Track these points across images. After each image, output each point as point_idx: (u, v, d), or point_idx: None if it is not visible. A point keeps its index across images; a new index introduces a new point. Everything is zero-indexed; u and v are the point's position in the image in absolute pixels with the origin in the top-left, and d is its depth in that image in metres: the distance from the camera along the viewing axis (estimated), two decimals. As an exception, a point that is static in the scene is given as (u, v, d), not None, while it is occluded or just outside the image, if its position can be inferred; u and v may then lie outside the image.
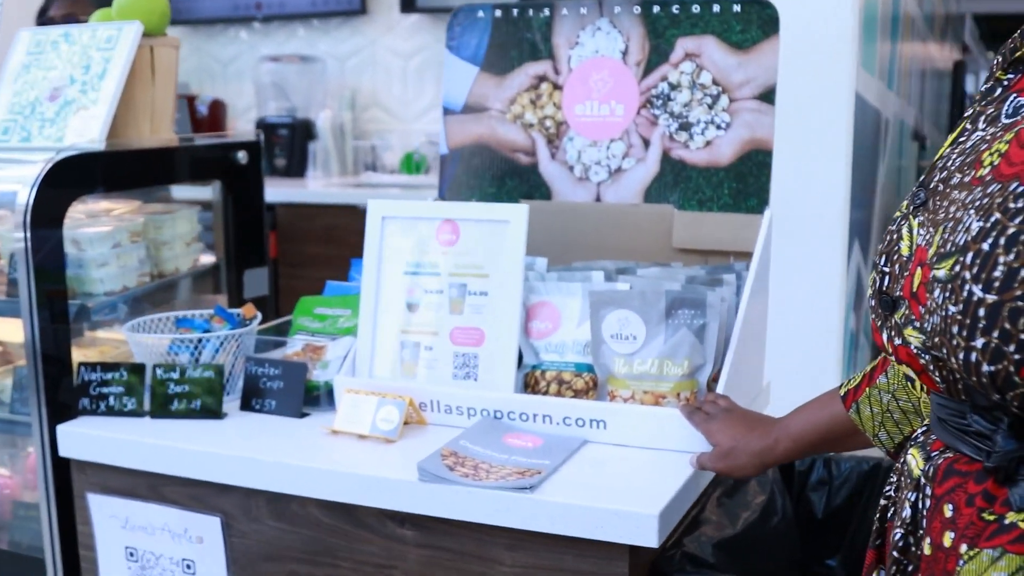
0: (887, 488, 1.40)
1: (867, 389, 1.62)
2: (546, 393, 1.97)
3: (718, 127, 2.16)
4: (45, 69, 2.36)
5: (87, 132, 2.22)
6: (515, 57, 2.31)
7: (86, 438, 2.05)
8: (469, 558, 1.77)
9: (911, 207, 1.24)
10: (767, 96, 2.13)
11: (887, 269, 1.23)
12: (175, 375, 2.08)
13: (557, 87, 2.28)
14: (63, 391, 2.12)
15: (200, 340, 2.13)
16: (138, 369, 2.11)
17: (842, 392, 1.65)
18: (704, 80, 2.17)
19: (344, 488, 1.82)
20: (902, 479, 1.32)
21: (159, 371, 2.08)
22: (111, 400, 2.11)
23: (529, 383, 2.01)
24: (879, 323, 1.24)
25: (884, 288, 1.23)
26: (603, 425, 1.86)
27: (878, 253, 1.26)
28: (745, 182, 2.14)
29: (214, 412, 2.07)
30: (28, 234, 2.04)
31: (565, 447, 1.84)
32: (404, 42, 5.64)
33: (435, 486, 1.73)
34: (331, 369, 2.12)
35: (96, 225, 2.30)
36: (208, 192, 2.57)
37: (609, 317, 1.91)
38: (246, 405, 2.12)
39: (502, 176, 2.33)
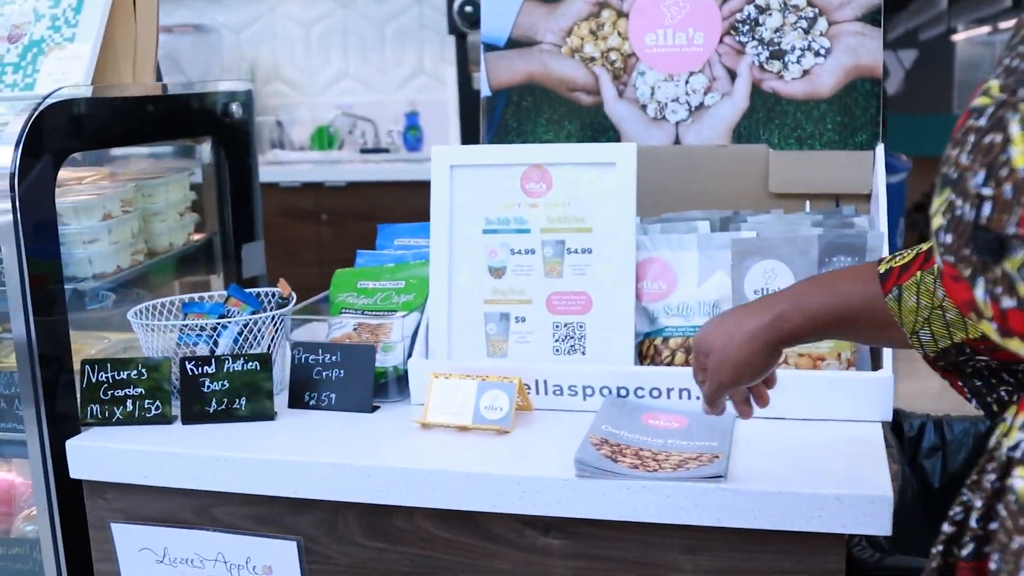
0: (955, 511, 0.99)
1: (918, 273, 1.20)
2: (671, 363, 1.69)
3: (816, 54, 1.91)
4: (-4, 4, 1.91)
5: (68, 76, 1.79)
6: (570, -19, 2.00)
7: (105, 454, 1.65)
8: (634, 568, 1.47)
9: (1015, 86, 0.83)
10: (871, 17, 1.89)
11: (989, 190, 0.82)
12: (210, 369, 1.70)
13: (622, 14, 1.99)
14: (61, 398, 1.70)
15: (221, 327, 1.75)
16: (160, 365, 1.71)
17: (882, 269, 1.23)
18: (797, 1, 1.91)
19: (465, 493, 1.50)
20: (1000, 507, 0.91)
21: (189, 366, 1.69)
22: (128, 405, 1.70)
23: (646, 353, 1.72)
24: (969, 273, 0.84)
25: (984, 221, 0.82)
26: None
27: (958, 164, 0.85)
28: (851, 115, 1.90)
29: (264, 412, 1.70)
30: (16, 205, 1.62)
31: (719, 426, 1.56)
32: (305, 10, 5.15)
33: (592, 482, 1.43)
34: (397, 352, 1.78)
35: (78, 193, 1.87)
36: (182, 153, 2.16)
37: (754, 269, 1.64)
38: (296, 401, 1.75)
39: (560, 119, 2.02)
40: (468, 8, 3.70)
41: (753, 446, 1.53)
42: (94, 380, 1.70)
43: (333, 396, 1.74)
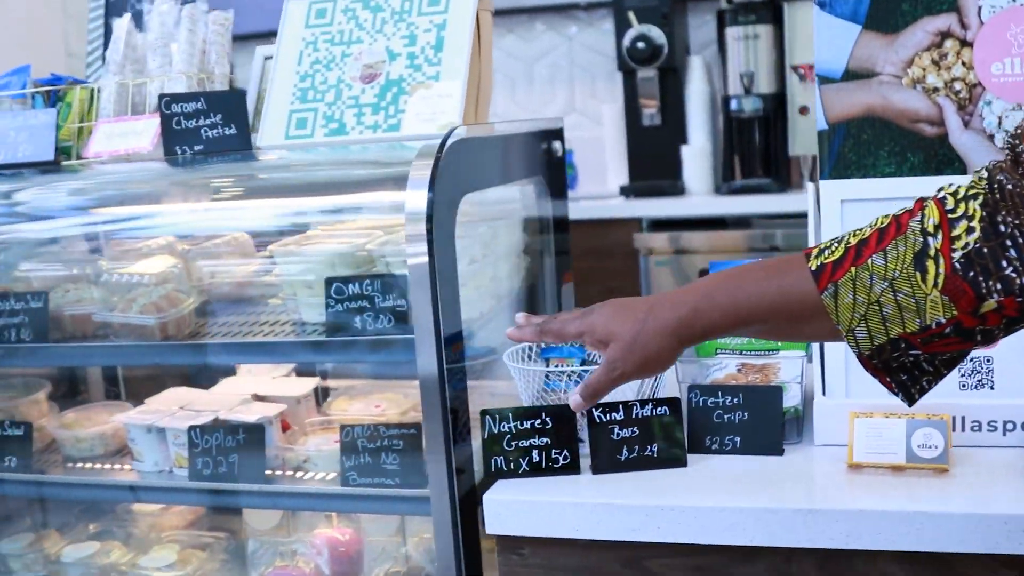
0: None
1: (851, 269, 1.18)
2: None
3: None
4: (341, 44, 1.86)
5: (439, 116, 1.74)
6: (908, 11, 1.97)
7: (526, 508, 1.59)
8: None
9: None
10: None
11: None
12: (619, 416, 1.65)
13: (965, 44, 1.95)
14: (459, 451, 1.64)
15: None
16: (564, 415, 1.65)
17: (813, 265, 1.20)
18: None
19: (937, 534, 1.43)
20: None
21: (596, 413, 1.64)
22: (535, 455, 1.64)
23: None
24: None
25: None
26: None
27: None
28: None
29: (676, 458, 1.65)
30: (432, 248, 1.56)
31: None
32: None
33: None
34: (793, 392, 1.72)
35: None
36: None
37: None
38: (697, 445, 1.69)
39: (902, 151, 1.98)
40: (640, 44, 3.68)
41: None
42: (496, 431, 1.64)
43: (738, 439, 1.68)
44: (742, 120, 3.69)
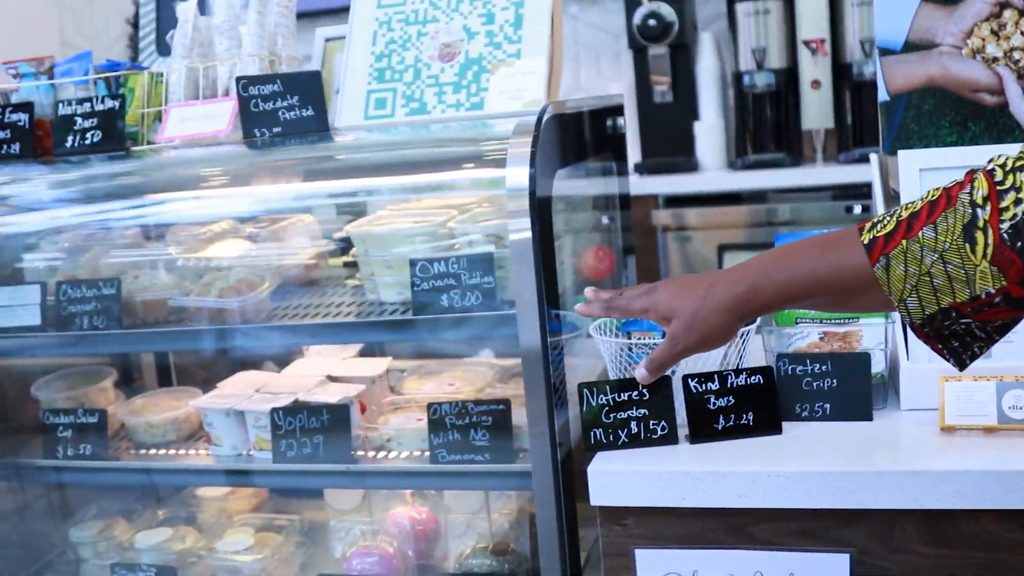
0: None
1: (903, 242, 1.22)
2: None
3: None
4: (416, 23, 1.86)
5: (523, 93, 1.75)
6: (967, -18, 2.00)
7: (628, 478, 1.61)
8: None
9: None
10: None
11: None
12: (714, 386, 1.67)
13: None
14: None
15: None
16: (661, 386, 1.67)
17: (865, 239, 1.24)
18: None
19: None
20: None
21: (692, 383, 1.66)
22: (633, 426, 1.66)
23: None
24: None
25: None
26: None
27: None
28: None
29: (771, 425, 1.67)
30: (535, 223, 1.58)
31: None
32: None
33: None
34: (877, 358, 1.76)
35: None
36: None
37: None
38: (787, 413, 1.72)
39: (963, 120, 2.02)
40: (652, 22, 3.70)
41: None
42: (594, 404, 1.66)
43: (827, 406, 1.71)
44: (755, 95, 3.73)
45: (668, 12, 3.74)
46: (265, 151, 1.82)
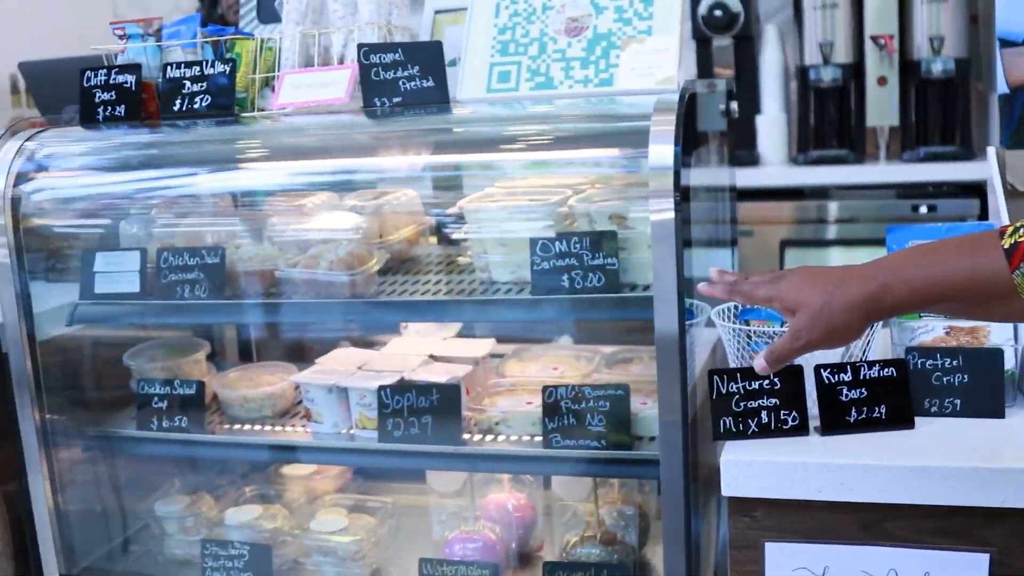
0: None
1: None
2: None
3: None
4: (540, -4, 1.82)
5: (655, 71, 1.71)
6: (1096, -25, 1.96)
7: (762, 468, 1.56)
8: None
9: None
10: None
11: None
12: (847, 377, 1.63)
13: None
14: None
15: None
16: (793, 375, 1.63)
17: (1006, 243, 1.20)
18: None
19: None
20: None
21: (825, 374, 1.62)
22: (763, 416, 1.62)
23: None
24: None
25: None
26: None
27: None
28: None
29: (905, 419, 1.63)
30: (677, 204, 1.54)
31: None
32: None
33: None
34: (1008, 354, 1.71)
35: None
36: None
37: None
38: (917, 408, 1.68)
39: (1088, 116, 1.98)
40: (717, 12, 3.65)
41: None
42: (724, 391, 1.62)
43: (958, 402, 1.67)
44: (820, 90, 3.68)
45: (734, 3, 3.68)
46: (387, 120, 1.77)
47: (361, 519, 2.01)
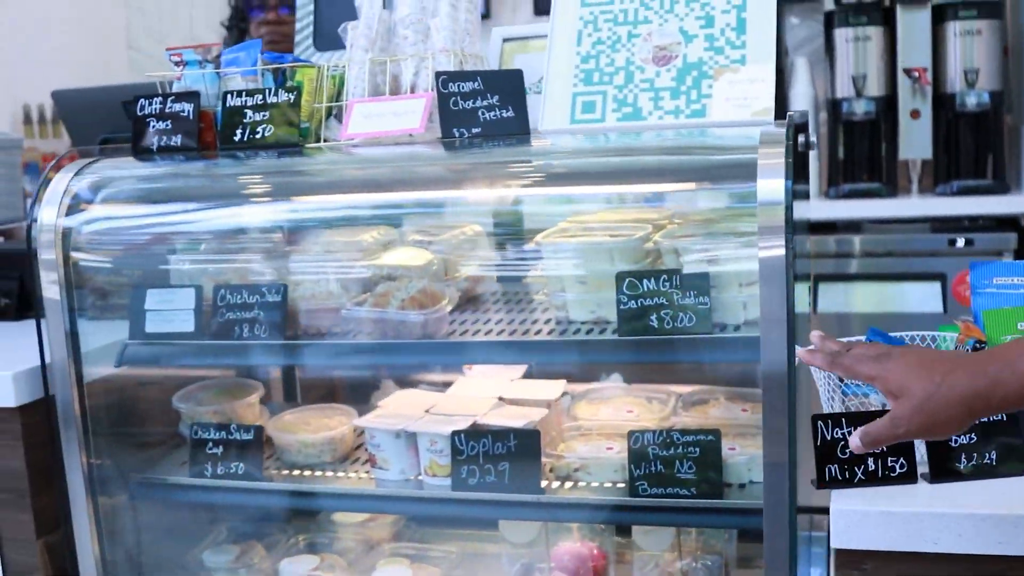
0: None
1: None
2: None
3: None
4: (626, 24, 1.75)
5: (751, 101, 1.64)
6: None
7: (876, 519, 1.48)
8: None
9: None
10: None
11: None
12: (957, 422, 1.54)
13: None
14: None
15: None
16: (899, 419, 1.55)
17: None
18: None
19: None
20: None
21: (933, 419, 1.53)
22: (869, 463, 1.54)
23: None
24: None
25: None
26: None
27: None
28: None
29: (1019, 467, 1.55)
30: (790, 238, 1.47)
31: None
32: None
33: None
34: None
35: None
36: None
37: None
38: None
39: None
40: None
41: None
42: (828, 437, 1.53)
43: (1077, 447, 1.59)
44: (852, 123, 3.63)
45: (763, 35, 3.64)
46: (464, 152, 1.69)
47: (424, 570, 1.91)
